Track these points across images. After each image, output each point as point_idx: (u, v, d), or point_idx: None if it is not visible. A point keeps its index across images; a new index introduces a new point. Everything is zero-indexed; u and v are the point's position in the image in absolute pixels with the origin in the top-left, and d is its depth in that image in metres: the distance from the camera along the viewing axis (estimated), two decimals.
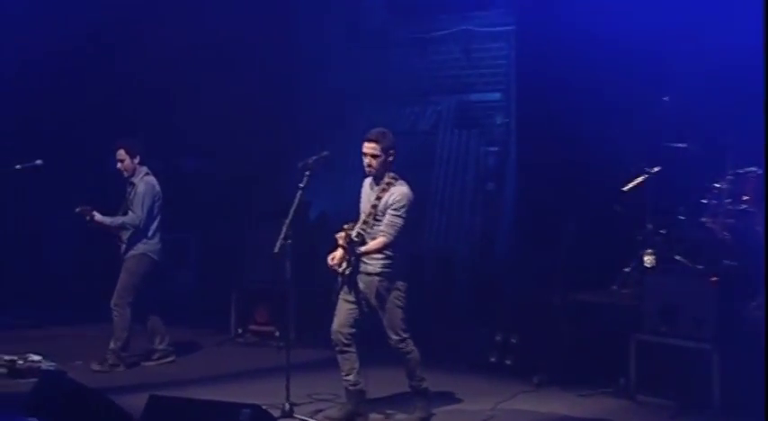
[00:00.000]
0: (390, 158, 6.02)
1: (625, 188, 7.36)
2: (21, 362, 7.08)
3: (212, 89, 10.13)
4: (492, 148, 9.64)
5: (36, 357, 7.18)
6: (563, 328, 7.24)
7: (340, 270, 5.97)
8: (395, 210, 5.96)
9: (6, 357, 7.11)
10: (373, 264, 6.02)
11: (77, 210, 7.39)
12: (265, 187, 10.12)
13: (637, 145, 7.52)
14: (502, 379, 7.19)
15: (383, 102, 10.19)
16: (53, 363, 7.16)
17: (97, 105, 10.07)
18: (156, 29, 9.95)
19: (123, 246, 7.59)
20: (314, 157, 6.14)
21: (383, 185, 6.03)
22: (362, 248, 5.97)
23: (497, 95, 9.61)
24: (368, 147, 5.98)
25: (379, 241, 5.96)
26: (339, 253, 5.98)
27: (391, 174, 6.06)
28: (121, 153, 7.62)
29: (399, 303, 6.05)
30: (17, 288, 9.62)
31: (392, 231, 5.95)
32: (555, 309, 7.35)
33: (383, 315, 6.04)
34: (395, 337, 6.06)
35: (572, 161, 8.02)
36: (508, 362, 7.48)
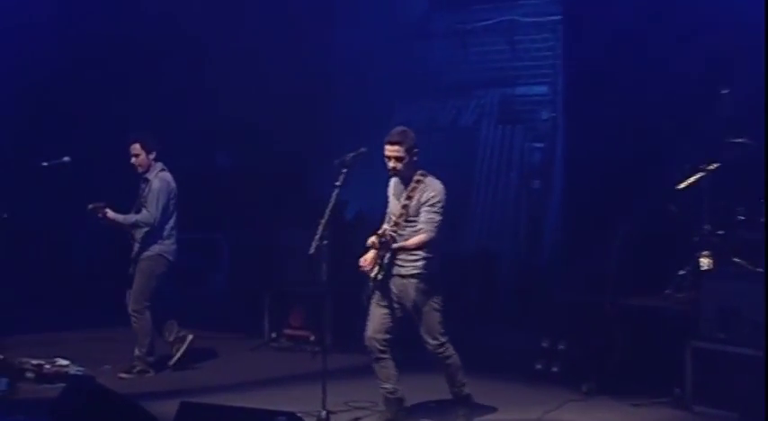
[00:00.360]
0: (415, 158, 6.00)
1: (680, 186, 7.24)
2: (48, 366, 7.14)
3: (247, 84, 10.18)
4: (537, 144, 9.60)
5: (64, 362, 7.24)
6: (614, 334, 7.15)
7: (372, 274, 5.95)
8: (431, 205, 5.94)
9: (33, 361, 7.18)
10: (407, 266, 6.00)
11: (90, 206, 7.32)
12: (301, 185, 10.15)
13: (693, 140, 7.40)
14: (548, 387, 7.13)
15: (423, 96, 10.18)
16: (81, 368, 7.21)
17: (130, 102, 10.15)
18: (192, 24, 10.02)
19: (137, 246, 7.49)
20: (351, 154, 6.11)
21: (412, 184, 6.01)
22: (403, 243, 5.93)
23: (543, 89, 9.56)
24: (391, 150, 5.96)
25: (419, 237, 5.94)
26: (371, 255, 5.96)
27: (419, 172, 6.04)
28: (136, 147, 7.52)
29: (436, 306, 6.01)
30: (44, 290, 9.73)
31: (432, 227, 5.93)
32: (605, 313, 7.26)
33: (419, 319, 6.01)
34: (433, 342, 6.02)
35: (623, 157, 7.92)
36: (555, 369, 7.43)
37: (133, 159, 7.53)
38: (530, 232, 9.48)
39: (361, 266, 5.98)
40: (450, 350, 6.07)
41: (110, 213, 7.34)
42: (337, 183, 6.04)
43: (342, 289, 7.24)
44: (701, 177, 7.21)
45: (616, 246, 7.72)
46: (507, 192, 9.70)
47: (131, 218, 7.43)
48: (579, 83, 8.60)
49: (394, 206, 6.09)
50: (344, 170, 6.05)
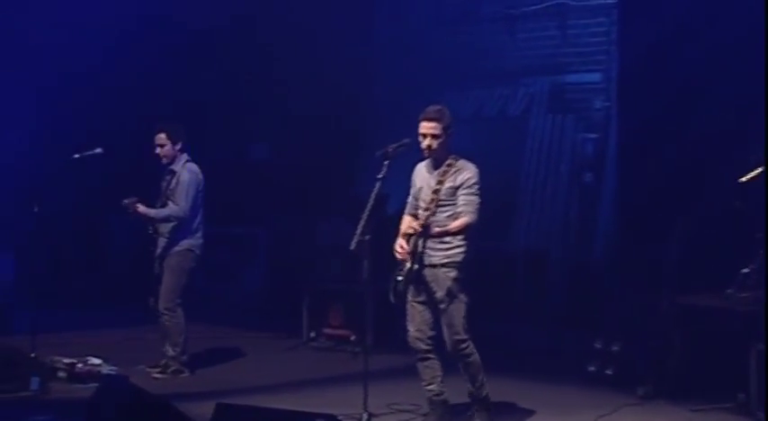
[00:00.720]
0: (449, 139, 5.99)
1: (743, 179, 7.11)
2: (80, 365, 7.20)
3: (284, 72, 10.20)
4: (590, 135, 9.50)
5: (96, 361, 7.30)
6: (672, 335, 7.07)
7: (408, 264, 5.92)
8: (468, 187, 5.94)
9: (65, 360, 7.25)
10: (438, 255, 5.97)
11: (124, 201, 7.33)
12: (341, 178, 10.14)
13: (757, 131, 7.26)
14: (602, 390, 7.07)
15: (469, 85, 10.12)
16: (114, 367, 7.27)
17: (166, 92, 10.22)
18: (234, 15, 10.07)
19: (163, 241, 7.47)
20: (394, 145, 6.09)
21: (443, 168, 6.00)
22: (445, 228, 5.89)
23: (596, 76, 9.44)
24: (427, 127, 5.95)
25: (462, 221, 5.92)
26: (407, 243, 5.94)
27: (450, 155, 6.02)
28: (162, 137, 7.50)
29: (465, 298, 5.99)
30: (76, 287, 9.84)
31: (473, 210, 5.93)
32: (662, 313, 7.18)
33: (444, 311, 5.98)
34: (455, 337, 5.98)
35: (681, 149, 7.81)
36: (609, 371, 7.36)
37: (158, 149, 7.52)
38: (581, 228, 9.39)
39: (398, 253, 5.94)
40: (472, 348, 6.03)
41: (141, 208, 7.36)
42: (379, 176, 6.02)
43: (384, 286, 7.20)
44: (765, 170, 7.07)
45: (674, 243, 7.62)
46: (557, 186, 9.62)
47: (163, 212, 7.44)
48: (634, 70, 8.48)
49: (425, 192, 6.06)
50: (387, 162, 6.03)
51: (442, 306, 5.97)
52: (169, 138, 7.50)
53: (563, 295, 9.04)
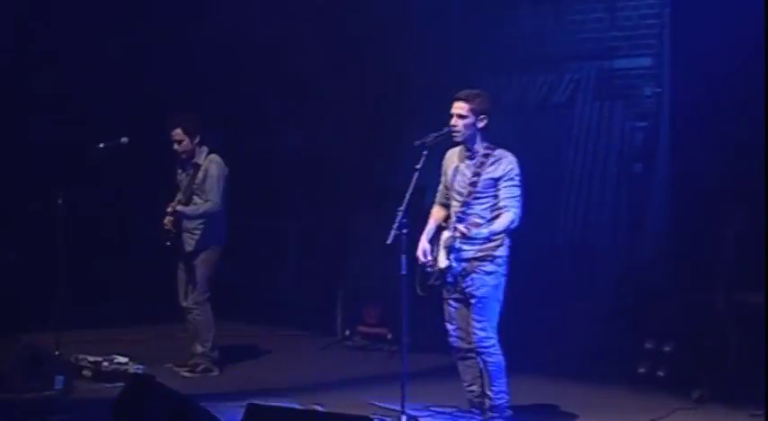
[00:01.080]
0: (481, 125, 5.97)
1: None
2: (106, 364, 7.25)
3: (318, 58, 10.18)
4: (640, 123, 9.42)
5: (122, 359, 7.35)
6: (728, 335, 7.01)
7: (441, 266, 5.90)
8: (510, 179, 5.92)
9: (90, 358, 7.30)
10: (474, 249, 5.94)
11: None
12: (377, 169, 10.11)
13: None
14: (653, 393, 7.03)
15: (510, 71, 10.06)
16: (141, 366, 7.31)
17: (190, 77, 10.25)
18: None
19: (189, 237, 7.51)
20: (433, 135, 6.08)
21: (479, 159, 5.97)
22: (490, 228, 5.86)
23: (647, 61, 9.35)
24: (455, 107, 6.00)
25: (505, 217, 5.89)
26: (429, 246, 5.91)
27: (485, 144, 6.00)
28: (178, 133, 7.47)
29: (499, 295, 5.97)
30: (101, 282, 9.90)
31: (516, 204, 5.91)
32: (718, 311, 7.11)
33: (474, 306, 5.95)
34: (481, 334, 5.96)
35: (738, 138, 7.71)
36: (661, 373, 7.33)
37: (176, 146, 7.50)
38: (630, 222, 9.31)
39: (422, 261, 5.94)
40: (498, 349, 6.00)
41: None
42: (418, 166, 6.01)
43: (421, 282, 7.20)
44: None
45: (730, 237, 7.53)
46: (605, 178, 9.55)
47: (199, 209, 7.49)
48: (688, 54, 8.38)
49: (460, 184, 6.03)
50: (425, 152, 6.02)
51: (474, 300, 5.95)
52: (186, 132, 7.48)
53: (611, 292, 8.96)
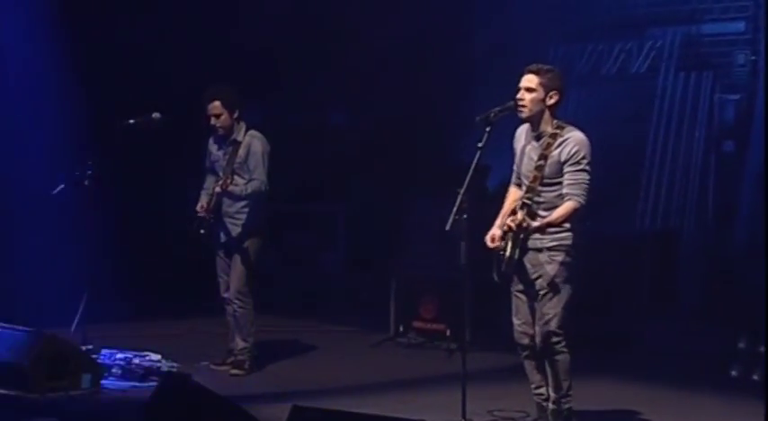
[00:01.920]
0: (550, 102, 5.95)
1: None
2: (137, 361, 7.34)
3: (367, 24, 10.17)
4: (731, 96, 9.37)
5: (155, 356, 7.43)
6: None
7: (507, 253, 5.89)
8: (576, 163, 5.88)
9: (119, 355, 7.39)
10: (545, 238, 5.93)
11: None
12: (433, 147, 10.11)
13: None
14: (747, 398, 6.89)
15: (583, 38, 10.02)
16: (175, 364, 7.39)
17: (227, 49, 10.30)
18: None
19: (234, 222, 7.53)
20: (497, 109, 6.06)
21: (546, 139, 5.94)
22: (547, 219, 5.85)
23: (740, 26, 9.29)
24: (524, 80, 5.99)
25: (566, 207, 5.86)
26: (499, 232, 5.93)
27: (555, 123, 5.98)
28: (217, 106, 7.46)
29: (569, 289, 5.94)
30: (133, 272, 10.00)
31: (581, 192, 5.86)
32: None
33: (542, 298, 5.94)
34: (548, 329, 5.92)
35: None
36: (755, 376, 7.29)
37: (213, 120, 7.50)
38: (719, 206, 9.24)
39: (490, 246, 5.95)
40: (564, 346, 5.97)
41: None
42: (480, 145, 6.00)
43: (484, 273, 7.18)
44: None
45: None
46: (691, 157, 9.52)
47: (247, 189, 7.48)
48: None
49: (525, 167, 6.03)
50: (488, 129, 6.00)
51: (542, 292, 5.96)
52: (225, 106, 7.49)
53: (698, 286, 8.94)
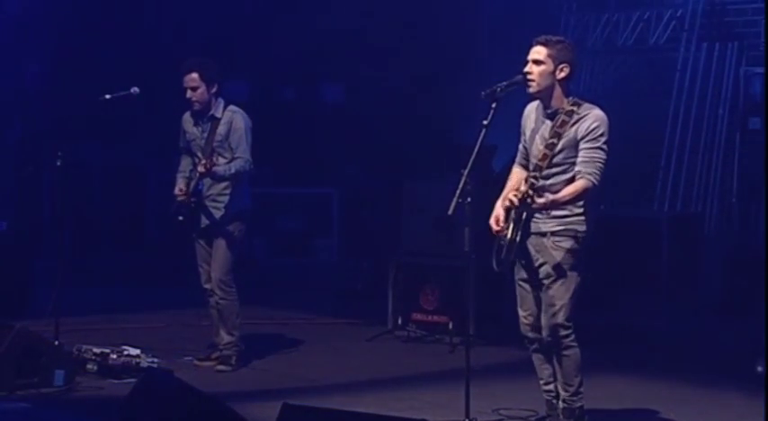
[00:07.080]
0: (561, 75, 5.93)
1: None
2: (114, 356, 7.35)
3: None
4: (757, 70, 9.36)
5: (133, 351, 7.44)
6: None
7: (508, 236, 5.90)
8: (593, 140, 5.85)
9: (96, 350, 7.40)
10: (551, 222, 5.92)
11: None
12: (434, 125, 10.12)
13: None
14: None
15: (599, 7, 10.01)
16: (155, 359, 7.41)
17: (209, 19, 10.30)
18: None
19: (215, 206, 7.50)
20: (503, 84, 6.05)
21: (562, 117, 5.92)
22: (555, 196, 5.83)
23: None
24: (532, 52, 5.98)
25: (577, 185, 5.84)
26: (503, 214, 5.93)
27: (569, 100, 5.95)
28: (194, 78, 7.43)
29: (578, 277, 5.93)
30: (109, 260, 10.04)
31: (594, 170, 5.84)
32: None
33: (548, 288, 5.94)
34: (555, 321, 5.92)
35: None
36: None
37: (189, 93, 7.47)
38: (744, 187, 9.25)
39: (494, 229, 5.95)
40: (573, 339, 5.98)
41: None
42: (485, 122, 5.99)
43: (489, 261, 7.21)
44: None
45: None
46: (714, 136, 9.52)
47: (231, 168, 7.44)
48: None
49: (536, 145, 6.02)
50: (494, 105, 6.00)
51: (547, 282, 5.95)
52: (202, 78, 7.46)
53: (720, 271, 8.93)
